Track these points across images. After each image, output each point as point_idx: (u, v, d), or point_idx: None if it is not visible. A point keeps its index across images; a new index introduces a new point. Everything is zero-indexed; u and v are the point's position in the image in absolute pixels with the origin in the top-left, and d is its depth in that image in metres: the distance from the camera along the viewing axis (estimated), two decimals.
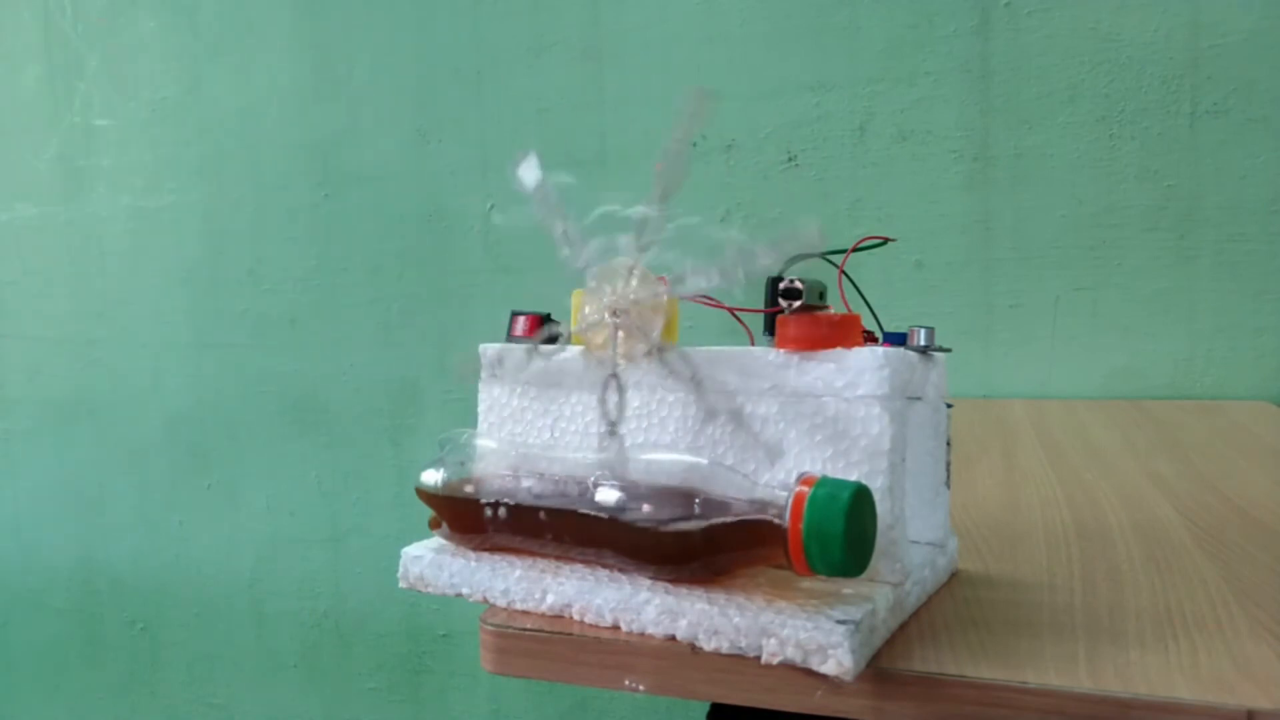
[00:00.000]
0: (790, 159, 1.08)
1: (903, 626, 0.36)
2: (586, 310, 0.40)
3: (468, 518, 0.41)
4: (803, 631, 0.32)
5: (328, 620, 1.36)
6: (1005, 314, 1.01)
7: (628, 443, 0.41)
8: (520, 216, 1.21)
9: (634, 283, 0.39)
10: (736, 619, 0.34)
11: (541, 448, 0.41)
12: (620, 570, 0.38)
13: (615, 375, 0.40)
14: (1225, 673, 0.31)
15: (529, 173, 0.40)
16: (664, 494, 0.36)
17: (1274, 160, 0.93)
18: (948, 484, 0.42)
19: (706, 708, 0.49)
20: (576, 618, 0.38)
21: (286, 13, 1.30)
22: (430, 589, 0.42)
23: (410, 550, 0.43)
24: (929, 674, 0.32)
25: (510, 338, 0.45)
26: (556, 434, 0.44)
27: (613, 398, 0.40)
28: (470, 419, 0.47)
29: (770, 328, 0.40)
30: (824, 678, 0.32)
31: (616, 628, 0.37)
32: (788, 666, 0.33)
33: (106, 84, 1.40)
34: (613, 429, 0.40)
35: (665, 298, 0.39)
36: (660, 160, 0.37)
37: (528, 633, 0.38)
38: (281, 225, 1.32)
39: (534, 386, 0.44)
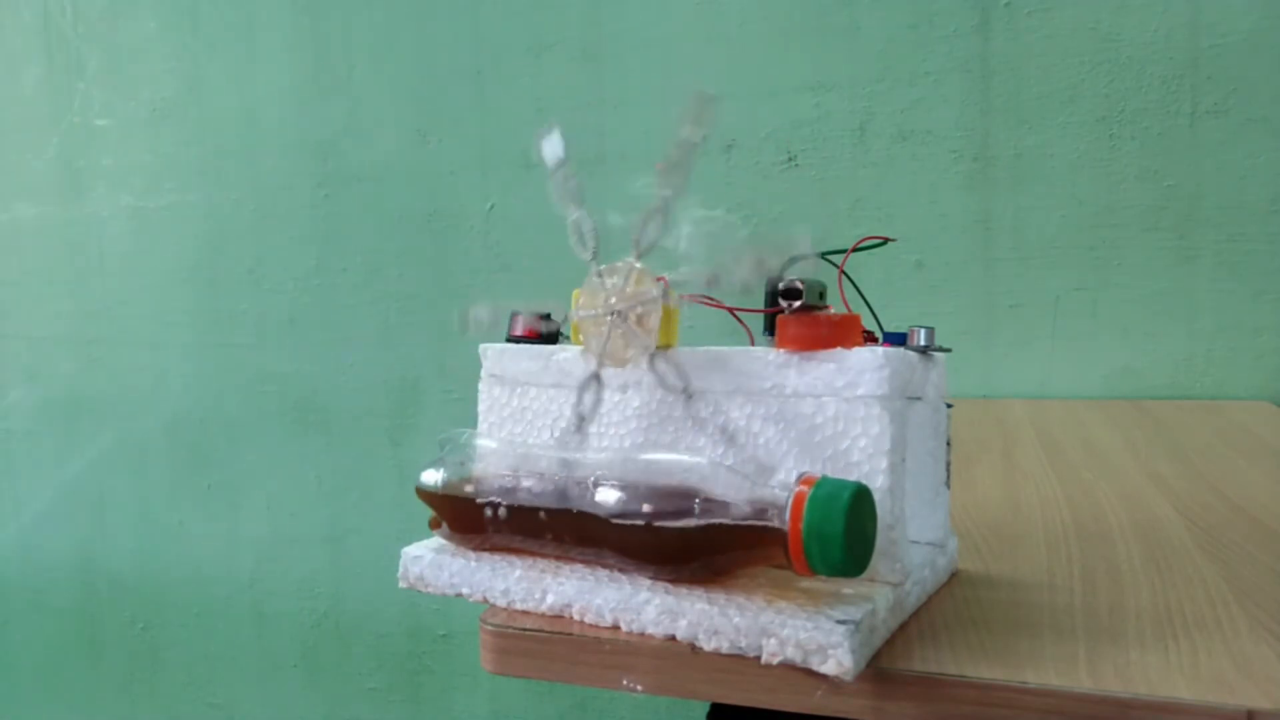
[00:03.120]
0: (790, 159, 1.08)
1: (903, 626, 0.36)
2: (582, 306, 0.40)
3: (468, 518, 0.41)
4: (803, 631, 0.32)
5: (328, 620, 1.36)
6: (1005, 314, 1.01)
7: (627, 443, 0.41)
8: (523, 209, 1.21)
9: (631, 286, 0.39)
10: (736, 619, 0.34)
11: (542, 448, 0.41)
12: (620, 570, 0.38)
13: (597, 375, 0.40)
14: (1225, 673, 0.31)
15: (552, 148, 0.39)
16: (664, 494, 0.36)
17: (1274, 160, 0.93)
18: (948, 484, 0.42)
19: (706, 708, 0.49)
20: (576, 618, 0.38)
21: (286, 13, 1.30)
22: (430, 589, 0.42)
23: (410, 550, 0.43)
24: (929, 674, 0.32)
25: (510, 337, 0.45)
26: (556, 434, 0.43)
27: (589, 396, 0.40)
28: (470, 419, 0.47)
29: (770, 328, 0.40)
30: (824, 678, 0.32)
31: (616, 628, 0.37)
32: (788, 666, 0.33)
33: (106, 84, 1.40)
34: (580, 424, 0.40)
35: (661, 303, 0.38)
36: (661, 161, 0.37)
37: (528, 633, 0.38)
38: (281, 225, 1.32)
39: (534, 386, 0.44)
